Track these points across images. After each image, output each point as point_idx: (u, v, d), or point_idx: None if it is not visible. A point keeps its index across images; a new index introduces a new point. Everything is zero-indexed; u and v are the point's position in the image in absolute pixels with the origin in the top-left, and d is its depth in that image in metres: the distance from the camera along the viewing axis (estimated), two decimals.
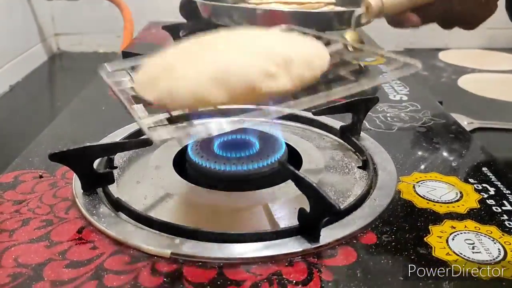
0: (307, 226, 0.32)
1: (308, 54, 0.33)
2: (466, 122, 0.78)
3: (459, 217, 0.35)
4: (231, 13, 0.81)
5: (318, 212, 0.32)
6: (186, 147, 0.43)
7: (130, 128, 0.49)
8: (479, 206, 0.37)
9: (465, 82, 1.01)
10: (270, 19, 0.80)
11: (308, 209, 0.32)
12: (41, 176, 0.42)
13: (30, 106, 0.89)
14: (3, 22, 0.95)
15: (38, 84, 1.05)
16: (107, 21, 1.18)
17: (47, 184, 0.41)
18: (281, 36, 0.38)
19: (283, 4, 0.90)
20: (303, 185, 0.33)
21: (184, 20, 1.02)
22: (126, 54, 0.68)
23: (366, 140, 0.47)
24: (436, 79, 1.05)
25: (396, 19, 0.51)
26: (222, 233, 0.33)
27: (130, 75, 0.38)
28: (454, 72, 1.06)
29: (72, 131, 0.52)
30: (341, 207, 0.35)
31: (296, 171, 0.34)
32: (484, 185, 0.40)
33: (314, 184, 0.32)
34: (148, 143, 0.40)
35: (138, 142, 0.42)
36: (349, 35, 0.47)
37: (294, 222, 0.33)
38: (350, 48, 0.45)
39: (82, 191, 0.38)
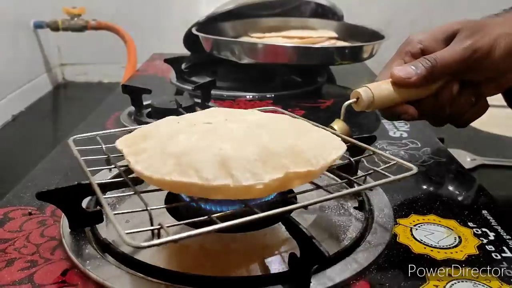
0: (297, 273, 0.31)
1: (298, 153, 0.33)
2: (469, 159, 0.76)
3: (457, 264, 0.34)
4: (233, 47, 0.82)
5: (308, 259, 0.30)
6: None
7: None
8: (478, 253, 0.35)
9: None
10: (271, 53, 0.80)
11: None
12: (30, 214, 0.41)
13: (32, 136, 0.90)
14: (9, 52, 0.97)
15: (41, 114, 1.06)
16: (112, 52, 1.20)
17: (35, 221, 0.40)
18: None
19: (284, 39, 0.91)
20: (293, 230, 0.32)
21: (187, 52, 1.03)
22: (125, 88, 0.68)
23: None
24: None
25: (392, 111, 0.50)
26: (209, 277, 0.32)
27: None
28: None
29: (66, 166, 0.51)
30: (335, 251, 0.34)
31: (287, 215, 0.33)
32: (483, 229, 0.39)
33: (304, 230, 0.31)
34: (137, 181, 0.40)
35: (128, 181, 0.41)
36: (337, 125, 0.46)
37: (286, 266, 0.32)
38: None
39: (69, 230, 0.37)
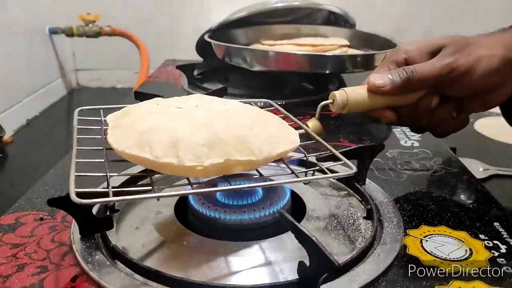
0: (306, 281, 0.31)
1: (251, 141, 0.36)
2: (481, 169, 0.76)
3: (467, 277, 0.34)
4: (244, 54, 0.82)
5: (317, 268, 0.30)
6: None
7: (131, 172, 0.48)
8: (489, 266, 0.35)
9: (482, 126, 0.99)
10: (283, 61, 0.80)
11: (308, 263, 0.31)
12: (41, 219, 0.41)
13: (46, 141, 0.91)
14: (25, 57, 0.98)
15: (55, 118, 1.08)
16: (126, 58, 1.22)
17: (47, 227, 0.40)
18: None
19: (296, 46, 0.91)
20: (303, 238, 0.32)
21: (200, 59, 1.04)
22: (138, 94, 0.69)
23: (374, 189, 0.46)
24: None
25: (370, 115, 0.50)
26: (218, 286, 0.32)
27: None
28: (470, 116, 1.04)
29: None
30: (342, 262, 0.34)
31: (296, 223, 0.33)
32: (495, 241, 0.38)
33: (314, 238, 0.31)
34: (146, 190, 0.40)
35: (138, 189, 0.41)
36: (312, 123, 0.47)
37: (295, 275, 0.32)
38: (310, 137, 0.45)
39: (80, 236, 0.37)
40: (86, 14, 1.25)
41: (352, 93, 0.48)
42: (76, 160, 0.36)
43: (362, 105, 0.49)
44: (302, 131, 0.45)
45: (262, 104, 0.52)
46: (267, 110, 0.45)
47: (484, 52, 0.46)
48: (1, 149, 0.85)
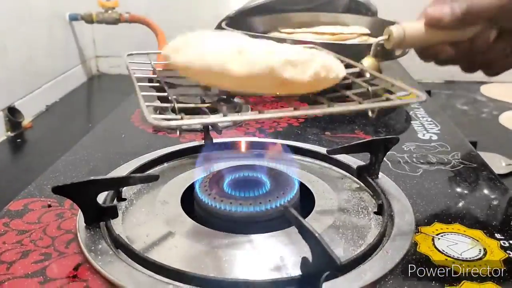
0: (309, 278, 0.30)
1: (327, 61, 0.36)
2: (504, 163, 0.73)
3: (480, 278, 0.32)
4: None
5: (319, 265, 0.29)
6: (194, 182, 0.42)
7: (139, 161, 0.48)
8: (503, 267, 0.33)
9: (507, 119, 0.96)
10: None
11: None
12: (49, 206, 0.42)
13: (64, 127, 0.91)
14: (44, 42, 0.99)
15: (75, 105, 1.08)
16: (145, 45, 1.21)
17: (54, 214, 0.40)
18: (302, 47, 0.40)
19: (315, 34, 0.89)
20: (306, 234, 0.31)
21: None
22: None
23: (386, 183, 0.45)
24: (476, 114, 1.00)
25: (427, 51, 0.49)
26: (219, 279, 0.31)
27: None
28: (496, 108, 1.01)
29: (89, 159, 0.52)
30: (350, 257, 0.33)
31: (300, 218, 0.32)
32: (511, 242, 0.36)
33: (317, 235, 0.29)
34: (152, 178, 0.40)
35: (143, 177, 0.41)
36: (367, 62, 0.46)
37: (299, 271, 0.31)
38: (367, 74, 0.43)
39: (85, 224, 0.37)
40: (105, 0, 1.25)
41: (409, 28, 0.46)
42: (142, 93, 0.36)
43: (419, 40, 0.47)
44: (357, 69, 0.43)
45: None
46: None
47: None
48: (19, 134, 0.87)
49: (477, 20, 0.46)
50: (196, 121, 0.32)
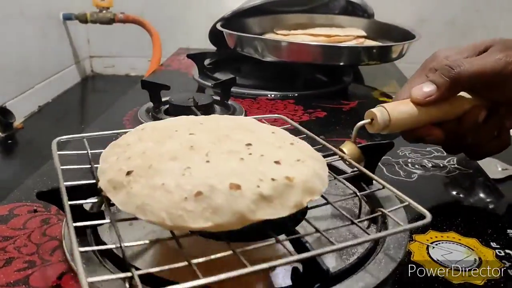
0: None
1: (309, 178, 0.30)
2: (500, 168, 0.72)
3: None
4: (256, 44, 0.80)
5: (310, 275, 0.28)
6: None
7: None
8: (499, 277, 0.33)
9: None
10: (295, 52, 0.78)
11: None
12: (35, 211, 0.41)
13: (56, 128, 0.90)
14: (37, 42, 0.98)
15: (67, 105, 1.07)
16: (140, 46, 1.21)
17: (39, 220, 0.39)
18: (280, 141, 0.34)
19: (310, 36, 0.88)
20: (296, 243, 0.30)
21: (214, 48, 1.02)
22: (145, 84, 0.67)
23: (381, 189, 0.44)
24: None
25: (413, 134, 0.45)
26: None
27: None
28: None
29: (78, 162, 0.50)
30: (342, 267, 0.32)
31: (289, 226, 0.31)
32: (507, 251, 0.36)
33: (307, 244, 0.29)
34: None
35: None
36: (347, 148, 0.41)
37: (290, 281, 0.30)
38: (347, 163, 0.40)
39: None
40: (100, 0, 1.24)
41: (394, 110, 0.42)
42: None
43: (405, 123, 0.43)
44: (337, 157, 0.40)
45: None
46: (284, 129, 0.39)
47: None
48: (11, 135, 0.85)
49: (468, 85, 0.43)
50: None
